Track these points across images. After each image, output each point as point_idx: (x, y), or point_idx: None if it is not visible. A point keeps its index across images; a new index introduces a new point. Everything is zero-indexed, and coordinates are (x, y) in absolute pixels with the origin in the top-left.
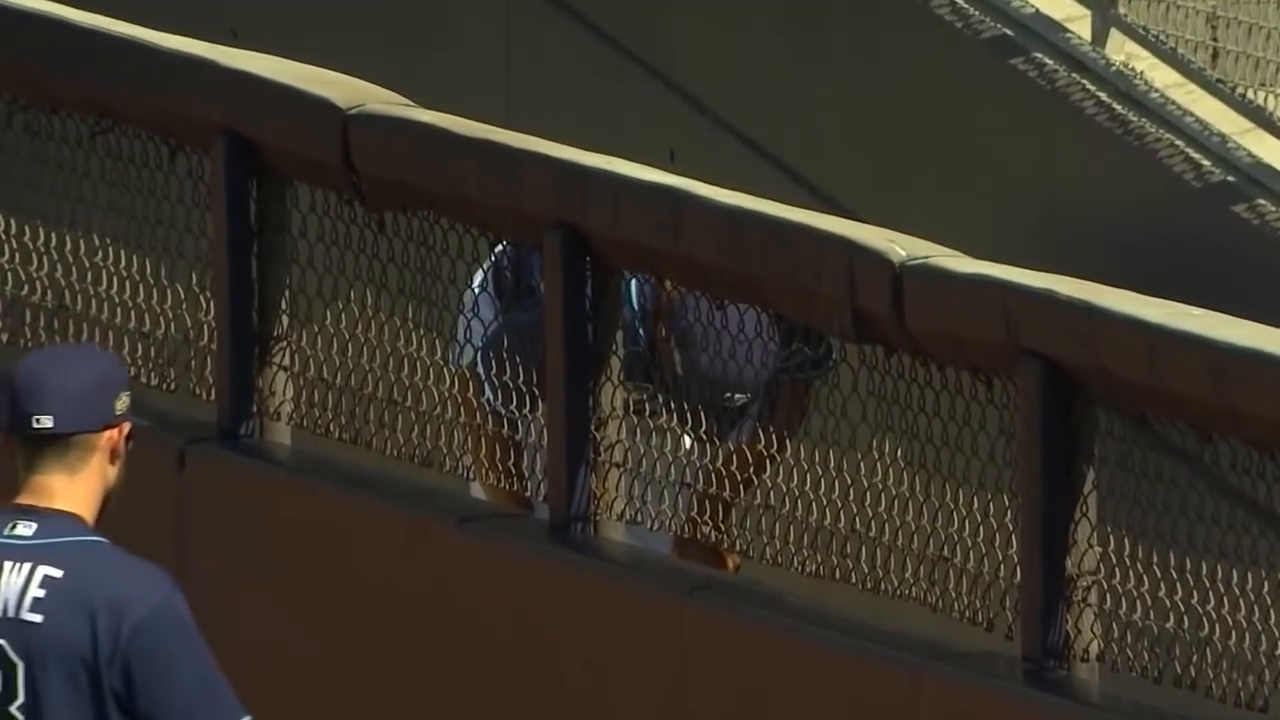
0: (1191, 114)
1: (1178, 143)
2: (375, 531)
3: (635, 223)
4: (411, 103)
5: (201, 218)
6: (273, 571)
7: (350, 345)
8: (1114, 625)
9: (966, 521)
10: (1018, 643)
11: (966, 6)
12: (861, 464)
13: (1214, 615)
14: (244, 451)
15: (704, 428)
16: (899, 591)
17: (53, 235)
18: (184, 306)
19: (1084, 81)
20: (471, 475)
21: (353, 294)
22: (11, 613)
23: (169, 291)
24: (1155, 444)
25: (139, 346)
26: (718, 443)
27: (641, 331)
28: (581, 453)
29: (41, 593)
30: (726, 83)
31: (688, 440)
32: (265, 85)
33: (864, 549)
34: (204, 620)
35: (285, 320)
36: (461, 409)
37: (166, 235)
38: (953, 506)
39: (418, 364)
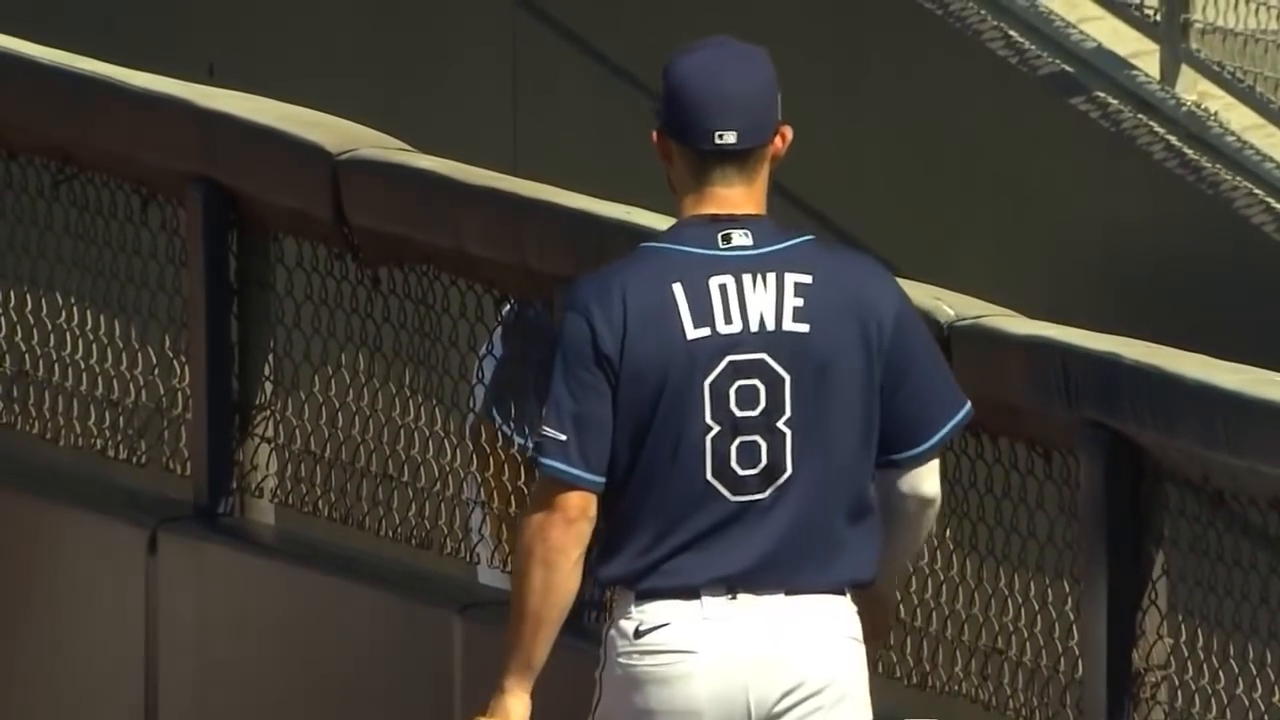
0: (1271, 159)
1: (1256, 191)
2: (369, 621)
3: None
4: (408, 147)
5: (176, 274)
6: (254, 666)
7: (340, 415)
8: None
9: (1022, 610)
10: None
11: (1021, 40)
12: None
13: None
14: (223, 532)
15: None
16: (948, 687)
17: (11, 294)
18: (156, 372)
19: (1152, 123)
20: (478, 558)
21: (343, 358)
22: (771, 325)
23: (140, 355)
24: (1232, 525)
25: (106, 416)
26: None
27: None
28: None
29: (799, 301)
30: None
31: None
32: (245, 128)
33: (909, 639)
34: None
35: (269, 387)
36: (490, 461)
37: (137, 294)
38: (1007, 593)
39: (415, 435)
